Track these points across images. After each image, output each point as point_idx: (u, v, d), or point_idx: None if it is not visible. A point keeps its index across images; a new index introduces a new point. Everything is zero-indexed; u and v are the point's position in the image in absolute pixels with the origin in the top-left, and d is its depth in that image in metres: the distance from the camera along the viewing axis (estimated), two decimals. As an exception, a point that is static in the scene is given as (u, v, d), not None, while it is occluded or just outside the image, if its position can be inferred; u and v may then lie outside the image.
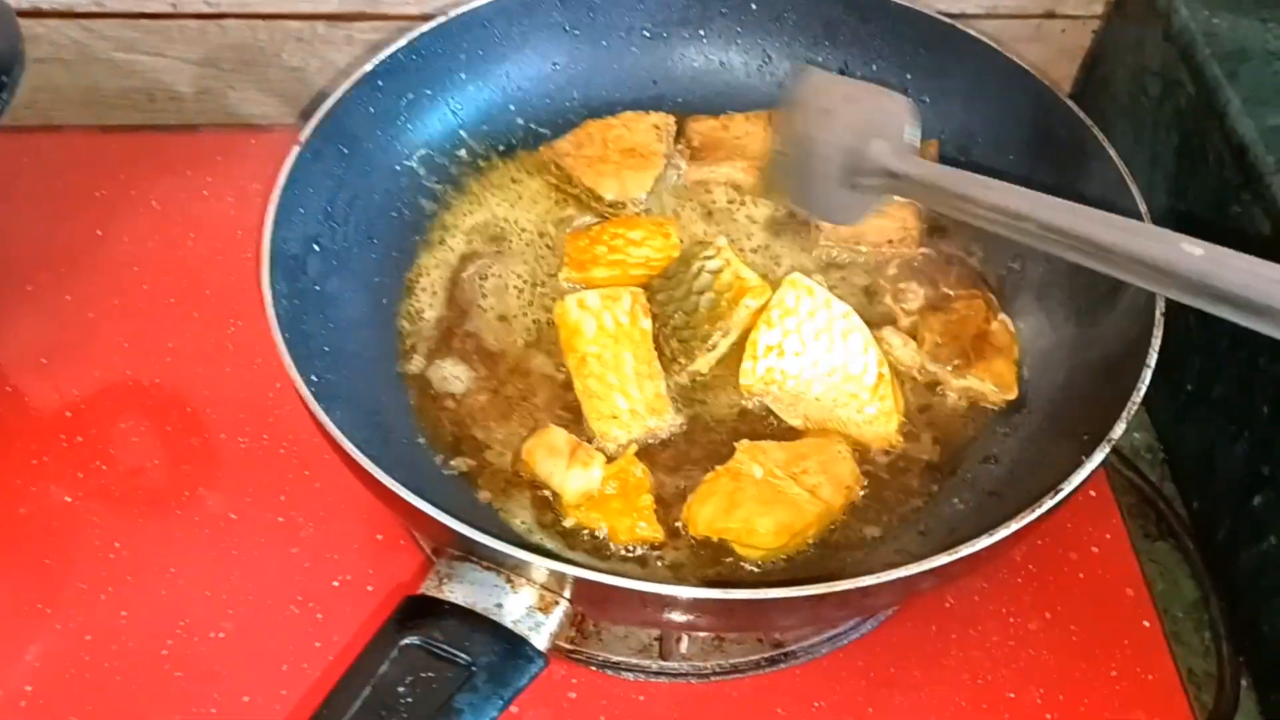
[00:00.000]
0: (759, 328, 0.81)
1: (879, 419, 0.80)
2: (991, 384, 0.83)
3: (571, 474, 0.75)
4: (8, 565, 0.82)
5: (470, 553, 0.64)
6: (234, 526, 0.85)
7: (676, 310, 0.84)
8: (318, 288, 0.82)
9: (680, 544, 0.76)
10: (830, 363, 0.80)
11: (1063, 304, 0.85)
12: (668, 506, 0.78)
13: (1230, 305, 0.52)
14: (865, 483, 0.78)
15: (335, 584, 0.82)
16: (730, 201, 0.94)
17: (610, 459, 0.78)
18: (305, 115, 1.11)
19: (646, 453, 0.80)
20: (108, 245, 1.01)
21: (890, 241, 0.89)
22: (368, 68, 0.87)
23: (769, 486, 0.75)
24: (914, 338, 0.85)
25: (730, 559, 0.75)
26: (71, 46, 1.08)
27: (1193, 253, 0.52)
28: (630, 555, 0.76)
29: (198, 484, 0.87)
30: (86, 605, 0.80)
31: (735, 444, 0.79)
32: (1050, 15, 1.10)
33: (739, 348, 0.83)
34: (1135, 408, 0.69)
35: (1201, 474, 0.93)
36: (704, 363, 0.83)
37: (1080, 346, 0.82)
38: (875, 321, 0.85)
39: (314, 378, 0.72)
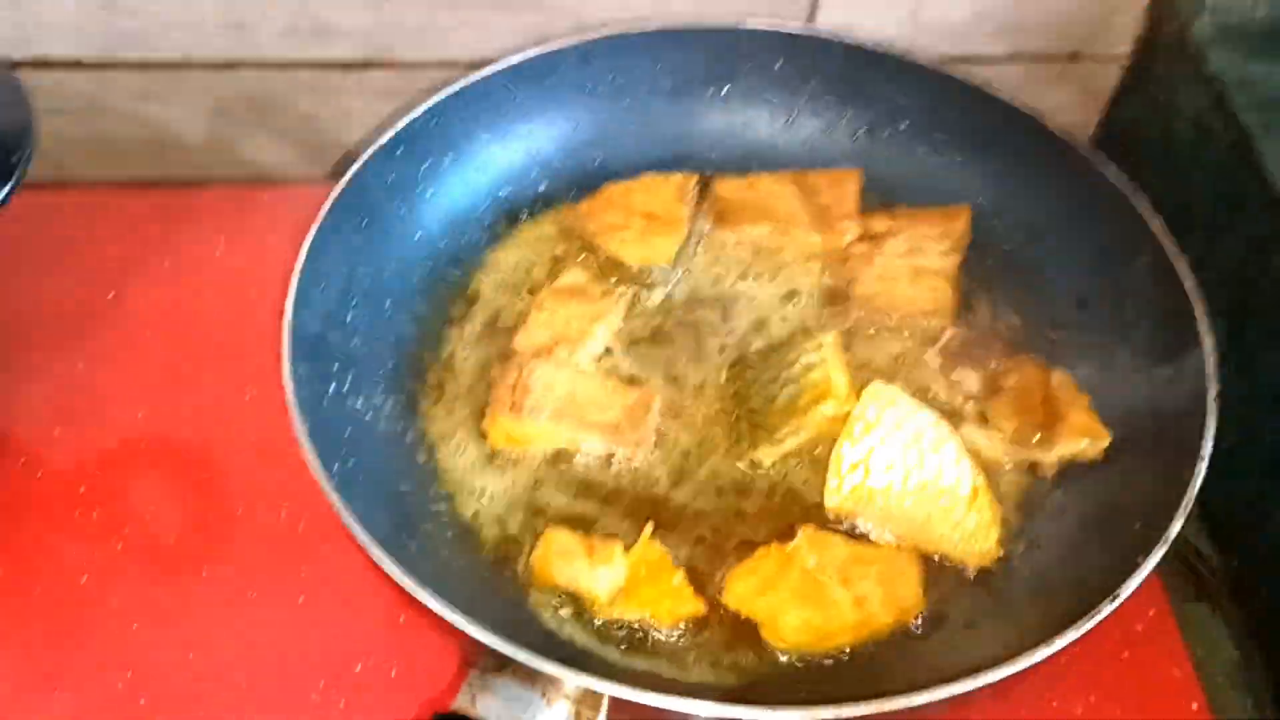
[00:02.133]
0: (841, 443, 0.77)
1: (977, 533, 0.75)
2: (1083, 440, 0.80)
3: (599, 574, 0.72)
4: (21, 647, 0.80)
5: (504, 666, 0.62)
6: (253, 606, 0.82)
7: (759, 394, 0.82)
8: (337, 366, 0.80)
9: (723, 618, 0.74)
10: (921, 477, 0.76)
11: (1106, 374, 0.83)
12: (699, 579, 0.76)
13: None
14: (926, 610, 0.74)
15: (357, 669, 0.80)
16: (757, 264, 0.92)
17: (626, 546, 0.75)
18: (319, 165, 1.12)
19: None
20: (120, 307, 0.99)
21: (924, 312, 0.87)
22: (386, 137, 0.86)
23: (814, 582, 0.72)
24: (984, 426, 0.82)
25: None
26: (79, 97, 1.06)
27: None
28: (670, 640, 0.73)
29: (216, 560, 0.85)
30: (103, 689, 0.78)
31: (800, 527, 0.76)
32: (1075, 57, 1.07)
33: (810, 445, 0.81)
34: (1190, 503, 0.67)
35: (1242, 533, 0.90)
36: (767, 454, 0.81)
37: (1126, 425, 0.80)
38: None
39: (335, 466, 0.70)
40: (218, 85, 1.06)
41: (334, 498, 0.67)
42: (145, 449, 0.91)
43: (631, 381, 0.85)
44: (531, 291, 0.89)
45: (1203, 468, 0.69)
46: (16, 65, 0.98)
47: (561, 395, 0.81)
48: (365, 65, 1.05)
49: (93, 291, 0.99)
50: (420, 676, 0.79)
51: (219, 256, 1.03)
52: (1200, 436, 0.70)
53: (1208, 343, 0.75)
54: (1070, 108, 1.06)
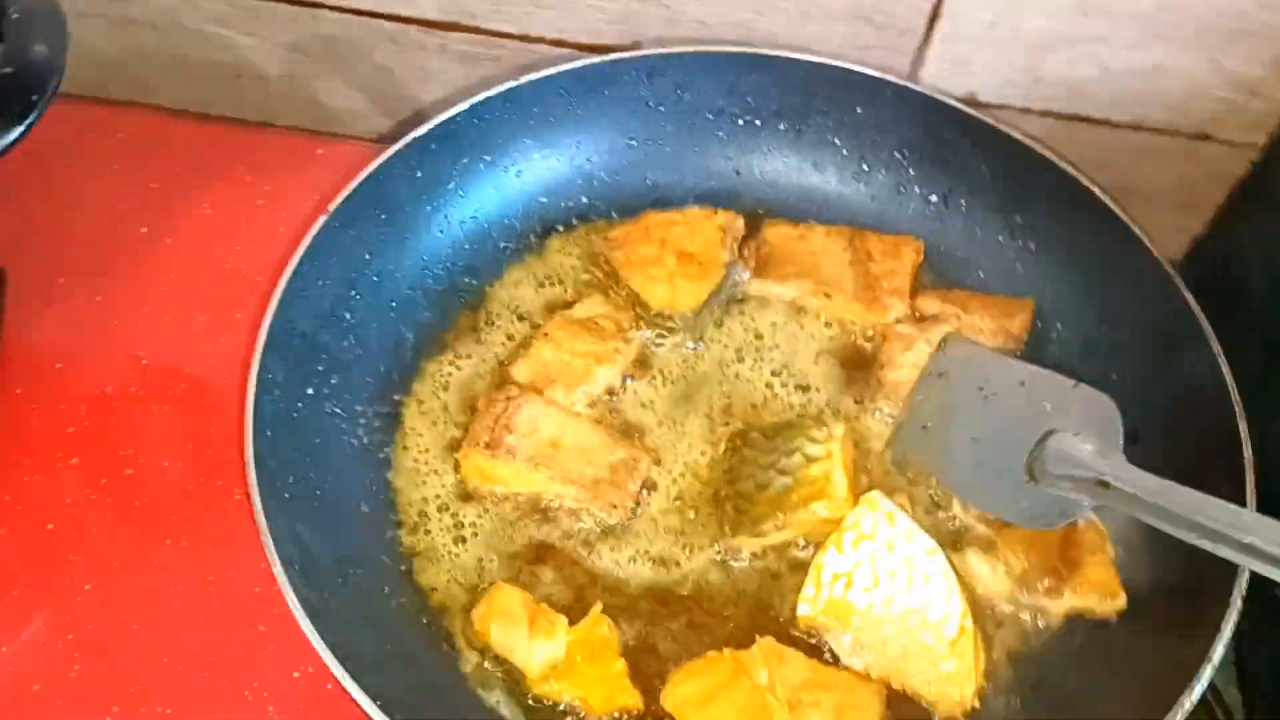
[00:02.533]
0: (827, 550, 0.72)
1: (954, 678, 0.70)
2: (1095, 596, 0.73)
3: (535, 647, 0.68)
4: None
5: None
6: (209, 590, 0.80)
7: (750, 477, 0.77)
8: (322, 368, 0.77)
9: (658, 717, 0.70)
10: (906, 603, 0.70)
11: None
12: (645, 664, 0.71)
13: None
14: None
15: (295, 675, 0.77)
16: (788, 324, 0.86)
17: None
18: (388, 118, 1.08)
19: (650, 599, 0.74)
20: (150, 245, 0.97)
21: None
22: (420, 131, 0.81)
23: (760, 700, 0.67)
24: (992, 556, 0.76)
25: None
26: (164, 14, 1.04)
27: None
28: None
29: (184, 533, 0.82)
30: (45, 648, 0.77)
31: (759, 638, 0.71)
32: (1205, 138, 0.98)
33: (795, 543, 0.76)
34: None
35: (1275, 685, 0.82)
36: (747, 544, 0.76)
37: (1150, 582, 0.74)
38: (947, 541, 0.75)
39: (285, 481, 0.68)
40: (299, 21, 1.03)
41: (264, 528, 0.64)
42: (141, 399, 0.89)
43: (625, 432, 0.80)
44: (544, 314, 0.85)
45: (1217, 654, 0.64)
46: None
47: (545, 439, 0.76)
48: (447, 27, 1.01)
49: (129, 223, 0.97)
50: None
51: (260, 206, 1.00)
52: (1220, 620, 0.64)
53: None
54: (1193, 189, 0.98)
